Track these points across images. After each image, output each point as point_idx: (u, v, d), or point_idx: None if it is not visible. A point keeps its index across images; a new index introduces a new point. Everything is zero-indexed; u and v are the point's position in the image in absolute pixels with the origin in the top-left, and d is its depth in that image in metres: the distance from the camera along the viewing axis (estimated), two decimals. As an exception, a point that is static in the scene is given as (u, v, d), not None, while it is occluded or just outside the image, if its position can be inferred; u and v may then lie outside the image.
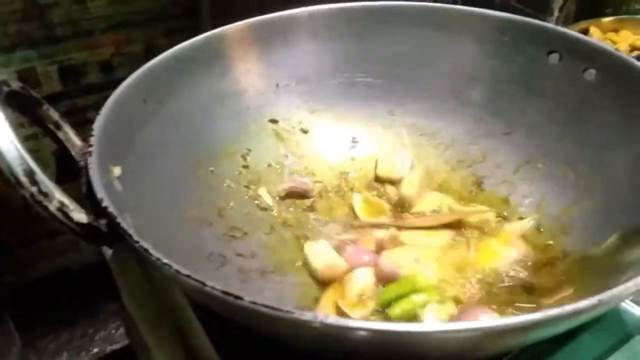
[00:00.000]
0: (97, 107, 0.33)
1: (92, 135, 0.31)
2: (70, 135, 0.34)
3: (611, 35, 0.67)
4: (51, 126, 0.33)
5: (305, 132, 0.47)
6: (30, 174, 0.26)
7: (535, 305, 0.32)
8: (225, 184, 0.41)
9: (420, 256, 0.36)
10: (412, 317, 0.32)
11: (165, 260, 0.23)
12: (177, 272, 0.23)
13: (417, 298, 0.33)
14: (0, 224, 0.62)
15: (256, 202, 0.42)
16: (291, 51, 0.47)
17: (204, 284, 0.22)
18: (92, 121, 0.32)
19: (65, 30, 0.56)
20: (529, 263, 0.36)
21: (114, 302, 0.43)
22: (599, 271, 0.32)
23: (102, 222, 0.27)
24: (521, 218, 0.39)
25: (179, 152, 0.39)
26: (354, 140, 0.48)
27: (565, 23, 0.63)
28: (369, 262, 0.36)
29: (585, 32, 0.66)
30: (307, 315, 0.21)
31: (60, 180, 0.28)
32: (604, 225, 0.34)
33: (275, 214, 0.41)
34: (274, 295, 0.35)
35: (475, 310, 0.32)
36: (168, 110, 0.39)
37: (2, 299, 0.63)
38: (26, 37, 0.55)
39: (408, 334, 0.21)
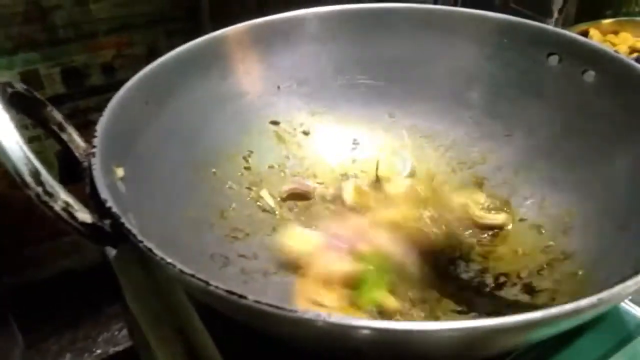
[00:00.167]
0: (100, 109, 0.33)
1: (95, 137, 0.31)
2: (73, 137, 0.34)
3: (611, 37, 0.67)
4: (55, 127, 0.34)
5: (306, 134, 0.47)
6: (35, 174, 0.26)
7: (535, 306, 0.32)
8: (227, 186, 0.42)
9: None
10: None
11: (169, 260, 0.24)
12: (181, 271, 0.23)
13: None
14: (3, 225, 0.62)
15: (258, 203, 0.42)
16: (292, 53, 0.47)
17: (207, 283, 0.22)
18: (94, 123, 0.32)
19: (68, 33, 0.57)
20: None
21: (117, 303, 0.43)
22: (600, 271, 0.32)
23: (106, 222, 0.28)
24: (522, 220, 0.39)
25: (180, 154, 0.39)
26: (355, 142, 0.48)
27: (564, 25, 0.64)
28: (343, 244, 0.37)
29: (585, 34, 0.66)
30: (310, 314, 0.21)
31: (64, 182, 0.28)
32: (605, 225, 0.35)
33: (277, 216, 0.42)
34: (276, 295, 0.35)
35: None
36: (170, 111, 0.40)
37: (5, 301, 0.63)
38: (29, 40, 0.55)
39: (410, 332, 0.21)
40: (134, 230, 0.25)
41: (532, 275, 0.35)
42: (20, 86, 0.31)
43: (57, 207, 0.26)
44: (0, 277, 0.63)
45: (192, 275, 0.23)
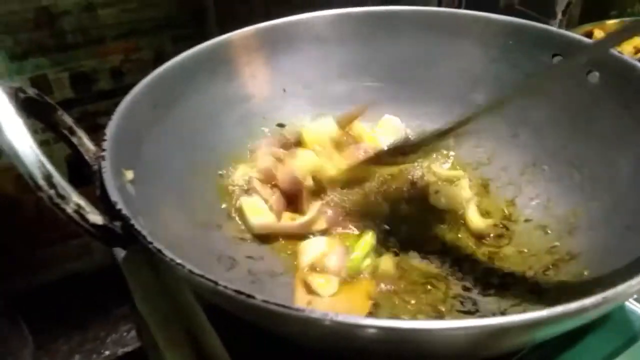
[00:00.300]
0: (108, 113, 0.34)
1: (104, 140, 0.32)
2: (84, 140, 0.34)
3: (615, 37, 0.67)
4: (65, 131, 0.34)
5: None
6: (48, 177, 0.26)
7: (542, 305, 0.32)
8: (233, 188, 0.42)
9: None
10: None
11: (178, 261, 0.24)
12: (191, 272, 0.23)
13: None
14: (14, 228, 0.63)
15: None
16: (297, 56, 0.47)
17: (216, 284, 0.23)
18: (103, 126, 0.32)
19: (76, 38, 0.57)
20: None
21: (126, 305, 0.44)
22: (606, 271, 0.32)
23: (117, 224, 0.28)
24: (527, 220, 0.40)
25: (188, 157, 0.40)
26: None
27: (569, 26, 0.64)
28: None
29: (590, 34, 0.66)
30: (317, 313, 0.21)
31: (73, 185, 0.29)
32: (610, 225, 0.35)
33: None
34: (283, 296, 0.35)
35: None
36: (177, 115, 0.40)
37: (16, 302, 0.64)
38: (38, 45, 0.56)
39: (417, 331, 0.21)
40: (144, 232, 0.26)
41: (537, 275, 0.35)
42: (32, 91, 0.31)
43: (69, 209, 0.27)
44: (10, 279, 0.64)
45: (202, 276, 0.23)
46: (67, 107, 0.37)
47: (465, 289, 0.35)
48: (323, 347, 0.27)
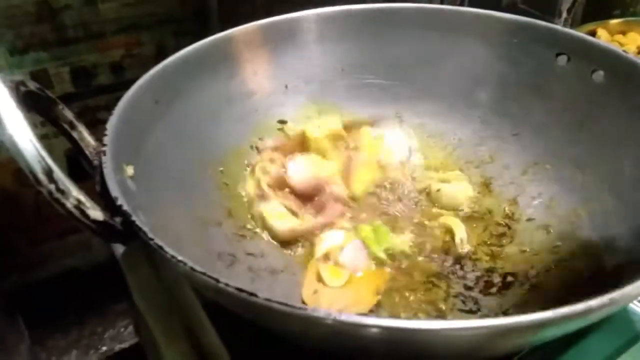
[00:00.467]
0: (108, 108, 0.34)
1: (105, 135, 0.32)
2: (84, 135, 0.34)
3: (619, 37, 0.67)
4: (66, 126, 0.34)
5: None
6: (48, 172, 0.26)
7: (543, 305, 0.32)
8: (234, 184, 0.42)
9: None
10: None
11: (180, 258, 0.24)
12: (192, 269, 0.23)
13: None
14: (11, 223, 0.62)
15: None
16: (299, 53, 0.47)
17: (218, 281, 0.23)
18: (103, 122, 0.32)
19: (77, 32, 0.57)
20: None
21: (123, 301, 0.44)
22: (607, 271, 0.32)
23: (117, 219, 0.28)
24: (529, 219, 0.39)
25: (188, 153, 0.40)
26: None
27: (572, 25, 0.63)
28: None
29: (593, 34, 0.66)
30: (320, 312, 0.21)
31: (72, 180, 0.28)
32: (613, 225, 0.34)
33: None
34: (284, 293, 0.35)
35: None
36: (178, 111, 0.40)
37: (13, 298, 0.63)
38: (38, 39, 0.55)
39: (420, 331, 0.21)
40: (145, 228, 0.25)
41: (539, 275, 0.35)
42: (32, 85, 0.31)
43: (69, 204, 0.27)
44: (7, 274, 0.64)
45: (203, 273, 0.23)
46: (67, 101, 0.37)
47: (467, 287, 0.35)
48: (325, 346, 0.27)
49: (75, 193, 0.27)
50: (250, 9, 0.62)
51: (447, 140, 0.46)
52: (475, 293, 0.35)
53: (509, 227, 0.39)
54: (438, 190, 0.42)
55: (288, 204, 0.40)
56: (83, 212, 0.27)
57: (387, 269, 0.37)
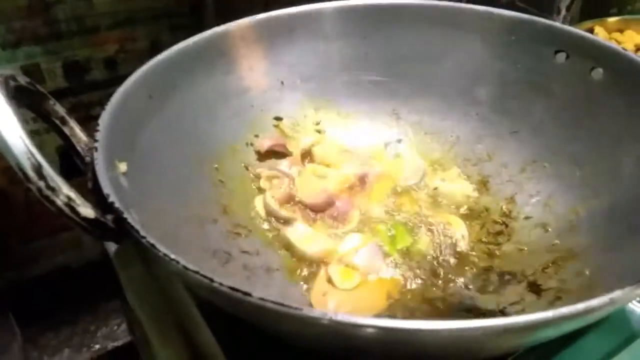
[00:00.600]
0: (102, 104, 0.33)
1: (97, 131, 0.31)
2: (76, 131, 0.34)
3: (616, 35, 0.67)
4: (57, 121, 0.33)
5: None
6: (38, 168, 0.26)
7: (541, 304, 0.32)
8: (229, 181, 0.41)
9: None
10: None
11: (172, 256, 0.23)
12: (185, 267, 0.23)
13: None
14: (3, 221, 0.62)
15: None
16: (296, 49, 0.47)
17: (212, 280, 0.22)
18: (96, 118, 0.32)
19: (70, 27, 0.56)
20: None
21: (116, 299, 0.43)
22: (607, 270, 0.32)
23: (109, 217, 0.27)
24: (527, 217, 0.39)
25: (183, 149, 0.39)
26: (358, 138, 0.47)
27: (570, 23, 0.63)
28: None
29: (591, 32, 0.66)
30: (315, 312, 0.21)
31: (65, 177, 0.28)
32: (611, 224, 0.34)
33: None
34: (279, 292, 0.34)
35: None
36: (172, 107, 0.39)
37: (4, 296, 0.63)
38: (31, 33, 0.55)
39: (416, 331, 0.21)
40: (137, 226, 0.25)
41: (537, 273, 0.34)
42: (23, 79, 0.30)
43: (60, 201, 0.26)
44: (-1, 272, 0.63)
45: (197, 272, 0.23)
46: (59, 97, 0.36)
47: (464, 286, 0.35)
48: (320, 346, 0.26)
49: (65, 190, 0.26)
50: (246, 3, 0.61)
51: (444, 138, 0.46)
52: (472, 292, 0.35)
53: (507, 226, 0.39)
54: (435, 188, 0.42)
55: (305, 217, 0.40)
56: (73, 210, 0.26)
57: (401, 272, 0.36)
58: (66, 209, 0.26)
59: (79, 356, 0.67)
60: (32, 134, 0.27)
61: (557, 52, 0.41)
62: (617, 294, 0.21)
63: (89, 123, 0.33)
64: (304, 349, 0.27)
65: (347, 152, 0.46)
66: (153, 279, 0.37)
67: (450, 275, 0.36)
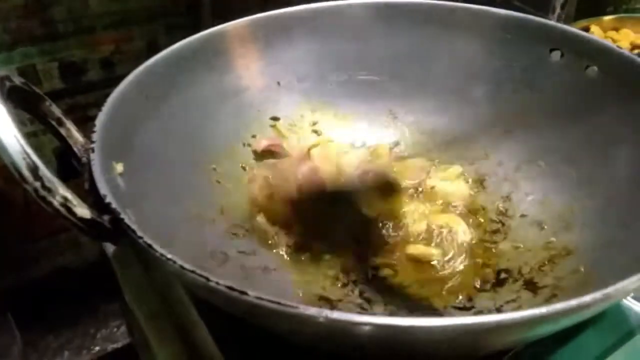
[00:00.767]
0: (98, 105, 0.33)
1: (94, 132, 0.31)
2: (72, 132, 0.34)
3: (612, 33, 0.67)
4: (53, 122, 0.33)
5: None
6: (33, 169, 0.26)
7: (537, 301, 0.32)
8: (227, 182, 0.41)
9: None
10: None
11: (169, 256, 0.23)
12: (182, 267, 0.23)
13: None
14: (2, 222, 0.62)
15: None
16: (293, 49, 0.47)
17: (208, 279, 0.22)
18: (92, 118, 0.32)
19: (66, 27, 0.56)
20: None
21: (115, 301, 0.43)
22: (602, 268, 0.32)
23: (106, 218, 0.27)
24: (523, 215, 0.39)
25: (180, 150, 0.39)
26: (355, 138, 0.47)
27: (565, 21, 0.63)
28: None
29: (586, 30, 0.66)
30: (311, 311, 0.21)
31: (62, 178, 0.28)
32: (606, 221, 0.34)
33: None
34: (276, 292, 0.34)
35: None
36: (169, 107, 0.39)
37: (4, 298, 0.63)
38: (27, 34, 0.55)
39: (413, 328, 0.21)
40: (134, 226, 0.25)
41: (533, 271, 0.35)
42: (18, 80, 0.30)
43: (56, 202, 0.26)
44: (-2, 274, 0.63)
45: (193, 272, 0.23)
46: (56, 98, 0.36)
47: (461, 284, 0.35)
48: (317, 345, 0.27)
49: (61, 190, 0.26)
50: (243, 3, 0.61)
51: (440, 137, 0.46)
52: (469, 290, 0.35)
53: (503, 224, 0.39)
54: (433, 187, 0.42)
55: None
56: (70, 210, 0.26)
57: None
58: (62, 210, 0.26)
59: (78, 358, 0.67)
60: (29, 136, 0.27)
61: (552, 50, 0.41)
62: (610, 289, 0.21)
63: (85, 124, 0.33)
64: (302, 348, 0.27)
65: (346, 154, 0.46)
66: (151, 279, 0.37)
67: (447, 273, 0.36)
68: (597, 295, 0.21)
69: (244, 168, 0.43)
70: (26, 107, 0.32)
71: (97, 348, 0.67)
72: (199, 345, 0.32)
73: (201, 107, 0.42)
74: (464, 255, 0.37)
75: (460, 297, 0.34)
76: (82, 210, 0.27)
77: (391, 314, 0.33)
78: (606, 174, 0.37)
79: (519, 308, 0.32)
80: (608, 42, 0.39)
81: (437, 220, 0.40)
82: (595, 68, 0.38)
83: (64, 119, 0.34)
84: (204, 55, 0.42)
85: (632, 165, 0.35)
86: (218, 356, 0.31)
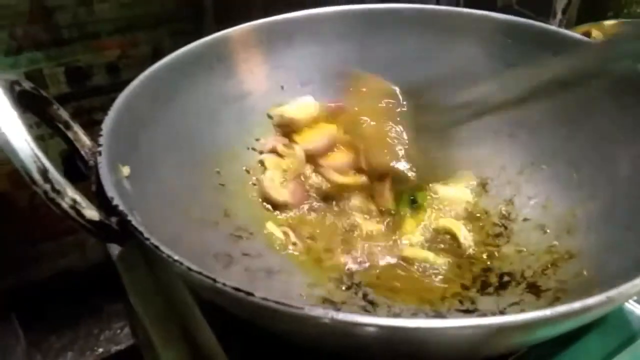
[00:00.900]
0: (104, 109, 0.33)
1: (100, 135, 0.31)
2: (79, 135, 0.34)
3: (613, 38, 0.67)
4: (61, 126, 0.34)
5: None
6: (43, 171, 0.26)
7: (540, 305, 0.32)
8: (231, 185, 0.42)
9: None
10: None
11: (176, 257, 0.24)
12: (189, 269, 0.23)
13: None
14: (6, 224, 0.62)
15: (262, 202, 0.42)
16: (295, 53, 0.47)
17: (215, 281, 0.22)
18: (98, 122, 0.32)
19: (72, 33, 0.57)
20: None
21: (119, 302, 0.43)
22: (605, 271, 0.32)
23: (113, 220, 0.28)
24: (526, 219, 0.39)
25: (185, 153, 0.40)
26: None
27: (566, 26, 0.64)
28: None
29: (587, 35, 0.66)
30: (317, 311, 0.21)
31: (69, 180, 0.28)
32: (609, 224, 0.35)
33: (280, 215, 0.42)
34: (280, 294, 0.34)
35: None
36: (174, 111, 0.40)
37: (8, 299, 0.63)
38: (33, 39, 0.55)
39: (417, 330, 0.21)
40: (141, 228, 0.25)
41: (536, 275, 0.35)
42: (27, 84, 0.31)
43: (65, 204, 0.26)
44: (2, 275, 0.63)
45: (200, 273, 0.23)
46: (62, 102, 0.37)
47: (464, 287, 0.35)
48: (323, 346, 0.27)
49: (70, 193, 0.27)
50: (246, 9, 0.62)
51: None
52: (472, 293, 0.35)
53: (506, 227, 0.39)
54: (435, 192, 0.42)
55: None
56: (79, 212, 0.27)
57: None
58: (71, 212, 0.27)
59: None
60: (37, 140, 0.27)
61: (554, 55, 0.41)
62: (613, 292, 0.21)
63: (92, 128, 0.33)
64: (306, 350, 0.28)
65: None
66: (156, 281, 0.37)
67: (450, 277, 0.36)
68: (601, 297, 0.21)
69: (247, 171, 0.44)
70: (35, 110, 0.33)
71: (100, 349, 0.67)
72: (203, 347, 0.33)
73: (205, 111, 0.43)
74: (466, 259, 0.37)
75: (464, 300, 0.34)
76: (91, 212, 0.27)
77: (395, 316, 0.33)
78: (608, 177, 0.37)
79: (522, 311, 0.32)
80: (609, 47, 0.39)
81: (438, 224, 0.40)
82: (597, 73, 0.39)
83: (71, 123, 0.34)
84: (208, 60, 0.43)
85: (635, 168, 0.36)
86: (222, 357, 0.31)
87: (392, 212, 0.41)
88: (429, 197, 0.42)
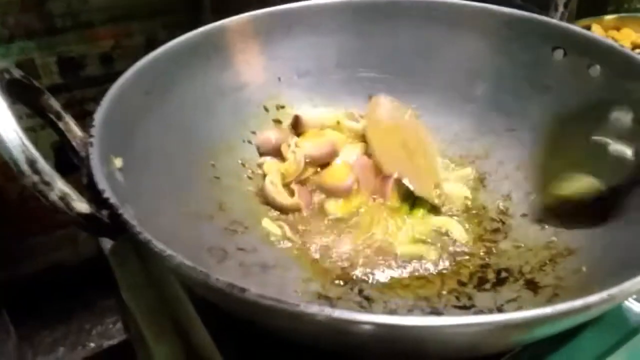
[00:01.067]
0: (97, 100, 0.33)
1: (92, 126, 0.31)
2: (71, 126, 0.33)
3: (613, 33, 0.67)
4: (52, 116, 0.33)
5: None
6: (32, 162, 0.25)
7: (538, 301, 0.32)
8: (226, 178, 0.41)
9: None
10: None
11: (169, 252, 0.23)
12: (182, 263, 0.23)
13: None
14: (-2, 217, 0.61)
15: (257, 196, 0.41)
16: (293, 45, 0.47)
17: (208, 276, 0.22)
18: (91, 113, 0.31)
19: (66, 22, 0.56)
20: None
21: (111, 297, 0.43)
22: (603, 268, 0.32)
23: (104, 212, 0.27)
24: (524, 215, 0.39)
25: (179, 145, 0.39)
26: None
27: (567, 20, 0.63)
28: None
29: (588, 29, 0.66)
30: (312, 309, 0.21)
31: (60, 172, 0.28)
32: (608, 222, 0.34)
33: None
34: (275, 289, 0.34)
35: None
36: (169, 102, 0.39)
37: (-2, 293, 0.63)
38: (25, 28, 0.54)
39: (414, 327, 0.20)
40: (133, 222, 0.25)
41: (534, 271, 0.34)
42: (17, 73, 0.30)
43: (54, 196, 0.26)
44: (-7, 269, 0.63)
45: (193, 268, 0.22)
46: (54, 93, 0.36)
47: (461, 283, 0.35)
48: (318, 343, 0.26)
49: (60, 185, 0.26)
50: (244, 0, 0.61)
51: (442, 135, 0.46)
52: (469, 289, 0.35)
53: (503, 223, 0.39)
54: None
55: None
56: (68, 205, 0.26)
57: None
58: (60, 204, 0.26)
59: (73, 354, 0.66)
60: (27, 131, 0.26)
61: (554, 48, 0.41)
62: (615, 289, 0.21)
63: (84, 119, 0.32)
64: (301, 347, 0.27)
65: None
66: (148, 275, 0.37)
67: (447, 272, 0.36)
68: (602, 295, 0.21)
69: (243, 164, 0.43)
70: (25, 100, 0.32)
71: (92, 344, 0.67)
72: (196, 342, 0.32)
73: (200, 103, 0.42)
74: (462, 255, 0.37)
75: (460, 296, 0.34)
76: (81, 205, 0.26)
77: (391, 313, 0.32)
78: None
79: (519, 308, 0.32)
80: (611, 41, 0.39)
81: (434, 221, 0.40)
82: (598, 67, 0.38)
83: (62, 113, 0.33)
84: (204, 50, 0.42)
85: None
86: (215, 353, 0.30)
87: (391, 207, 0.40)
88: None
